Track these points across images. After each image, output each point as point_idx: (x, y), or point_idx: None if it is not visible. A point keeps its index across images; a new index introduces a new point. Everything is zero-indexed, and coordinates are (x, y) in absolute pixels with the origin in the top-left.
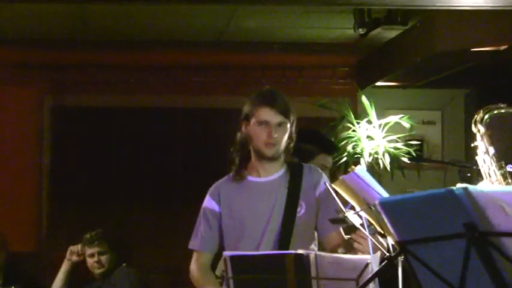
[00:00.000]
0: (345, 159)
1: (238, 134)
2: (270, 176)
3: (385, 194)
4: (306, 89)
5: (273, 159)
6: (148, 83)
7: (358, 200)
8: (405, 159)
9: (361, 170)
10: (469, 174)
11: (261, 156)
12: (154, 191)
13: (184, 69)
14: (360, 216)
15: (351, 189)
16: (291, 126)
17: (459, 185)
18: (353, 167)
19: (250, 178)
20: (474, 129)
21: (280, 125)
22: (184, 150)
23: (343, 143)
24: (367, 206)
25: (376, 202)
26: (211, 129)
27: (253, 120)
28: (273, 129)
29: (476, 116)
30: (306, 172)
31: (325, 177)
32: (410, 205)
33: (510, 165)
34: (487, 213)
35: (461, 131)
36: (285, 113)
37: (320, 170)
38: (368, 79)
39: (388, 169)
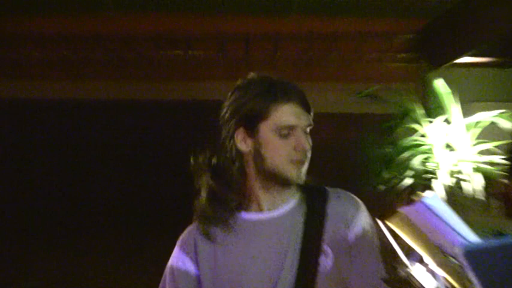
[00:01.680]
0: (408, 180)
1: (232, 150)
2: (277, 210)
3: (472, 238)
4: (342, 69)
5: (291, 184)
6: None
7: (428, 247)
8: (506, 181)
9: (434, 198)
10: None
11: (280, 182)
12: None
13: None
14: (434, 273)
15: (415, 228)
16: None
17: None
18: (420, 193)
19: (245, 215)
20: None
21: (307, 131)
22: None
23: (405, 154)
24: (443, 255)
25: (459, 249)
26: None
27: (266, 127)
28: (303, 138)
29: None
30: (334, 201)
31: (365, 210)
32: (508, 252)
33: None
34: None
35: None
36: (311, 112)
37: (357, 199)
38: (442, 54)
39: (480, 196)
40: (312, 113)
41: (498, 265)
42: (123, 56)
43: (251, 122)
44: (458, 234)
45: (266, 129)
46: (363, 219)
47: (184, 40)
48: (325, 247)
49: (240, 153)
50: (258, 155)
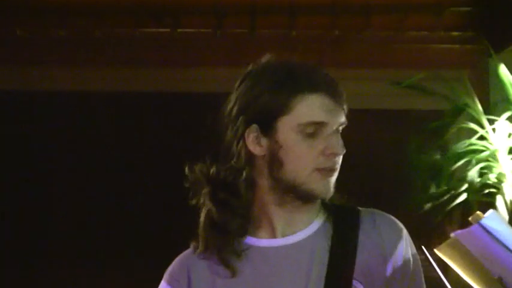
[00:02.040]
0: (462, 196)
1: (240, 156)
2: (295, 234)
3: None
4: (376, 52)
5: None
6: None
7: (486, 279)
8: None
9: (494, 218)
10: None
11: (301, 196)
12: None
13: None
14: None
15: (470, 256)
16: None
17: None
18: (478, 212)
19: (253, 241)
20: None
21: (339, 131)
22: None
23: (459, 163)
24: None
25: None
26: None
27: (286, 124)
28: (335, 140)
29: None
30: (368, 225)
31: (407, 237)
32: None
33: None
34: None
35: None
36: (344, 107)
37: (397, 222)
38: (507, 33)
39: None
40: (346, 108)
41: None
42: (92, 34)
43: (267, 119)
44: None
45: (286, 127)
46: (404, 248)
47: (170, 14)
48: (356, 283)
49: (250, 159)
50: (274, 160)
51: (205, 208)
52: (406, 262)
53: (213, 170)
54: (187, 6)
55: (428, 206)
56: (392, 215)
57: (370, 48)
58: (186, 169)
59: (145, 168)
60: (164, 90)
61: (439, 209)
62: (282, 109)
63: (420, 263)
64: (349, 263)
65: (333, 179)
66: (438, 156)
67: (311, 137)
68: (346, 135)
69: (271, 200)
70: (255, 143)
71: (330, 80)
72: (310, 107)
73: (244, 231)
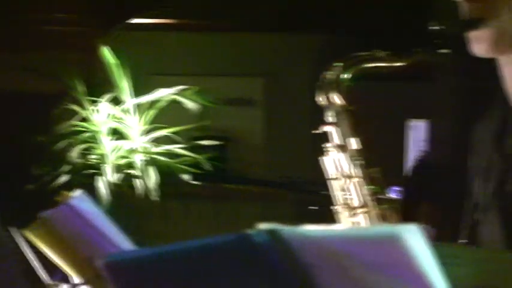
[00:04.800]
0: (64, 177)
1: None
2: None
3: (127, 246)
4: None
5: None
6: None
7: (76, 260)
8: (187, 178)
9: (82, 198)
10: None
11: None
12: None
13: None
14: None
15: (61, 237)
16: None
17: (263, 226)
18: (66, 192)
19: None
20: (321, 100)
21: None
22: None
23: (61, 144)
24: (89, 268)
25: (100, 261)
26: None
27: None
28: None
29: (327, 74)
30: None
31: None
32: (169, 265)
33: (395, 188)
34: (312, 272)
35: (306, 117)
36: None
37: None
38: (111, 13)
39: (156, 197)
40: None
41: (136, 282)
42: None
43: None
44: (111, 242)
45: None
46: None
47: None
48: None
49: None
50: None
51: None
52: None
53: None
54: None
55: (30, 187)
56: None
57: None
58: None
59: None
60: None
61: (41, 191)
62: None
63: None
64: None
65: None
66: (42, 138)
67: None
68: None
69: None
70: None
71: None
72: None
73: None
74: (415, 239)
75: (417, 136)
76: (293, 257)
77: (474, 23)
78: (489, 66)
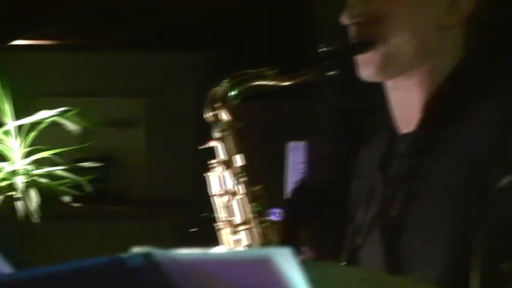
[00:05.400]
0: None
1: None
2: None
3: (6, 269)
4: None
5: None
6: None
7: None
8: (68, 200)
9: None
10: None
11: None
12: None
13: None
14: None
15: None
16: None
17: (137, 249)
18: None
19: None
20: (209, 116)
21: None
22: None
23: None
24: None
25: None
26: None
27: None
28: None
29: (215, 90)
30: None
31: None
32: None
33: (276, 210)
34: None
35: (189, 136)
36: None
37: None
38: None
39: (36, 219)
40: None
41: None
42: None
43: None
44: None
45: None
46: None
47: None
48: None
49: None
50: None
51: None
52: None
53: None
54: None
55: None
56: None
57: None
58: None
59: None
60: None
61: None
62: None
63: None
64: None
65: None
66: None
67: None
68: None
69: None
70: None
71: None
72: None
73: None
74: (286, 262)
75: (296, 157)
76: (166, 280)
77: (362, 46)
78: (374, 88)
